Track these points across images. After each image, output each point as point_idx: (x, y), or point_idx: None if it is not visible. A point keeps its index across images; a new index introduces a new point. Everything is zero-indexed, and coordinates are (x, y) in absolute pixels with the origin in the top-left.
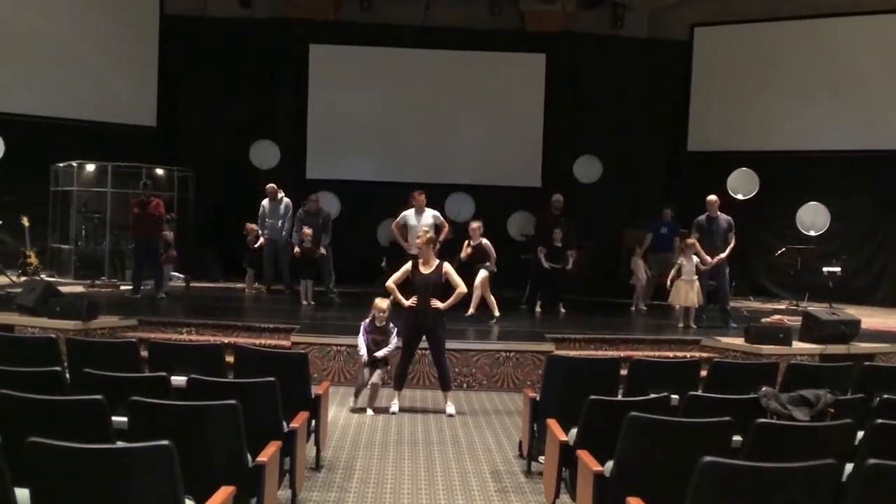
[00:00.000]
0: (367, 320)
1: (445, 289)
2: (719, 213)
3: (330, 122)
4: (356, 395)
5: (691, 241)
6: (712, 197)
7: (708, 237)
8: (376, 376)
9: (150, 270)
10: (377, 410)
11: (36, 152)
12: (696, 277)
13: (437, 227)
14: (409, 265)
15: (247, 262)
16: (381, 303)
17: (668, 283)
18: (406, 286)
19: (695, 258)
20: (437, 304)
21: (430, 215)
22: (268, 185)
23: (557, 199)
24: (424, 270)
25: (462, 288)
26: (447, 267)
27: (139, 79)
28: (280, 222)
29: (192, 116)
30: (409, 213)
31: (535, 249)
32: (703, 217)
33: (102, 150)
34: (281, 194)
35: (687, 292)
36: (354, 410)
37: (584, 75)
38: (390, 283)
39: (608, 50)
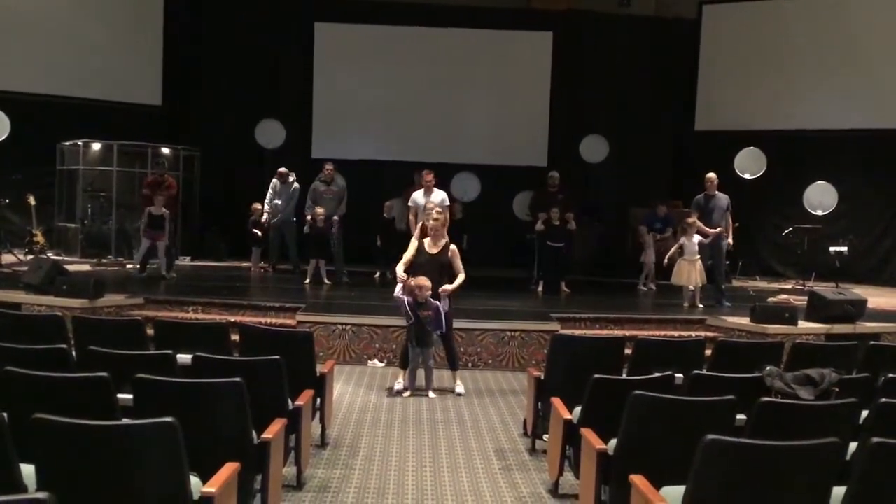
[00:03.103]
0: (409, 300)
1: (450, 269)
2: (717, 191)
3: (335, 100)
4: (410, 377)
5: (692, 219)
6: (711, 175)
7: (707, 215)
8: (430, 358)
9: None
10: (436, 391)
11: (42, 131)
12: (698, 257)
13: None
14: (415, 244)
15: (253, 241)
16: (423, 281)
17: (666, 260)
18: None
19: (696, 237)
20: (446, 287)
21: (438, 196)
22: (280, 169)
23: (554, 175)
24: (432, 251)
25: (463, 275)
26: (454, 248)
27: (144, 57)
28: (288, 204)
29: (197, 95)
30: (418, 194)
31: (554, 229)
32: (700, 196)
33: (108, 128)
34: (292, 177)
35: (689, 272)
36: (395, 394)
37: (591, 54)
38: (401, 267)
39: (615, 28)
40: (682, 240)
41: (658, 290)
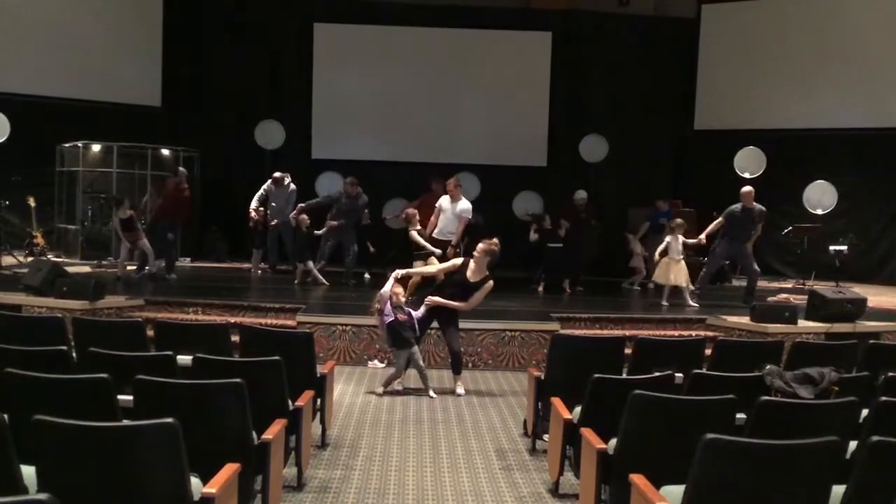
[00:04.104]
0: (388, 306)
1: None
2: (754, 203)
3: (335, 101)
4: (388, 382)
5: (681, 221)
6: (748, 188)
7: (740, 226)
8: (419, 357)
9: (161, 252)
10: (437, 392)
11: (41, 132)
12: (681, 257)
13: (458, 217)
14: (460, 261)
15: (256, 242)
16: (396, 288)
17: (657, 257)
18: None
19: (681, 238)
20: (433, 298)
21: (461, 205)
22: (275, 174)
23: (580, 198)
24: (472, 277)
25: (467, 304)
26: (489, 285)
27: (143, 59)
28: (285, 207)
29: (197, 96)
30: (445, 200)
31: (548, 233)
32: (738, 206)
33: (107, 130)
34: (288, 180)
35: (674, 271)
36: (386, 394)
37: (590, 54)
38: (441, 268)
39: (614, 28)
40: (668, 239)
41: (655, 289)
